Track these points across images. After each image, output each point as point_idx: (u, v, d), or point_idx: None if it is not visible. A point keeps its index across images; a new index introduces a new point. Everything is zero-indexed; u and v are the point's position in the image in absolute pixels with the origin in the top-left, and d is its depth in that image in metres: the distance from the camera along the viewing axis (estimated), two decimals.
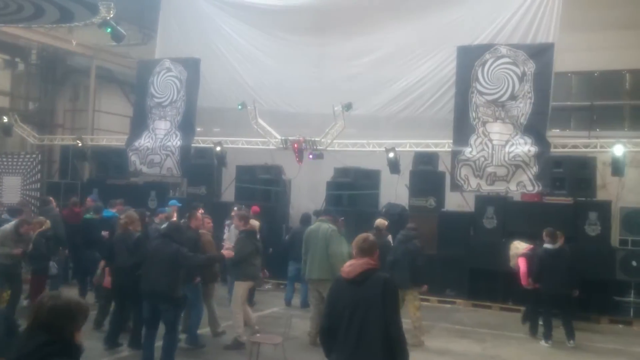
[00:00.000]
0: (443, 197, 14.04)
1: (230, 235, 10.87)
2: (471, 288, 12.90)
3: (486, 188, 13.31)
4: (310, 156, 14.85)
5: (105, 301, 9.31)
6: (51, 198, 13.07)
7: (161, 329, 7.52)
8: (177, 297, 7.41)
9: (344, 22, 15.90)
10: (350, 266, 4.42)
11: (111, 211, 11.88)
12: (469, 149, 13.35)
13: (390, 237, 10.84)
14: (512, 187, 13.06)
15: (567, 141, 13.67)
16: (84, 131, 18.93)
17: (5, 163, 17.83)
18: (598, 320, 11.73)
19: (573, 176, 12.74)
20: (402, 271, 9.24)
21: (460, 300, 12.93)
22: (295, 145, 14.63)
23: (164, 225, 8.97)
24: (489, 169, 13.13)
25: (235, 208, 11.64)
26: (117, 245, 8.57)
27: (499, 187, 13.22)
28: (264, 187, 15.05)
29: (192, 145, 16.28)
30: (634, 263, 11.87)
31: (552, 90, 13.14)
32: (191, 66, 16.64)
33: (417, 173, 14.03)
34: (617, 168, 12.42)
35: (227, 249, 8.79)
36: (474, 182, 13.30)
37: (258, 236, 9.39)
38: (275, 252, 12.64)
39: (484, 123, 13.36)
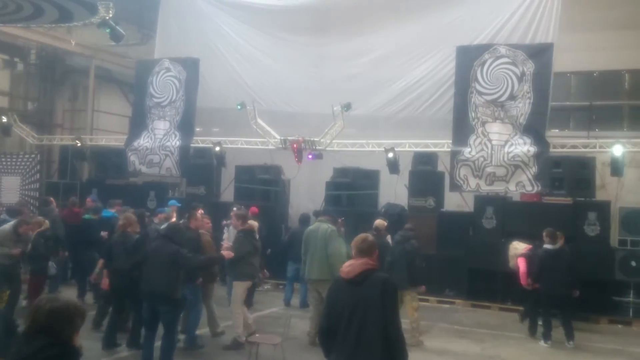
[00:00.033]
0: (442, 197, 14.05)
1: (229, 236, 10.87)
2: (470, 288, 12.90)
3: (485, 188, 13.31)
4: (310, 156, 14.85)
5: (104, 301, 9.31)
6: (52, 198, 13.05)
7: (160, 329, 7.51)
8: (176, 298, 7.41)
9: (343, 22, 15.89)
10: (349, 266, 4.42)
11: (110, 211, 11.88)
12: (468, 149, 13.35)
13: (389, 238, 10.83)
14: (512, 187, 13.06)
15: (566, 141, 13.67)
16: (83, 131, 18.93)
17: (4, 163, 17.82)
18: (597, 320, 11.73)
19: (572, 176, 12.74)
20: (400, 272, 9.25)
21: (459, 301, 12.93)
22: (295, 145, 14.63)
23: (164, 226, 8.97)
24: (488, 169, 13.13)
25: (235, 208, 11.64)
26: (116, 247, 8.57)
27: (498, 187, 13.22)
28: (263, 187, 15.05)
29: (191, 145, 16.28)
30: (633, 263, 11.88)
31: (552, 90, 13.13)
32: (190, 66, 16.64)
33: (416, 173, 14.04)
34: (616, 168, 12.42)
35: (226, 248, 8.79)
36: (473, 182, 13.30)
37: (257, 236, 9.39)
38: (274, 253, 12.64)
39: (483, 123, 13.36)
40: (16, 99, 19.90)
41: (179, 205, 12.63)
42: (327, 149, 14.70)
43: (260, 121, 15.34)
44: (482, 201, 13.33)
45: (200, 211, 10.05)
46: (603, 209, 12.37)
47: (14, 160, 17.86)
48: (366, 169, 14.74)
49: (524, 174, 12.85)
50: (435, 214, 13.61)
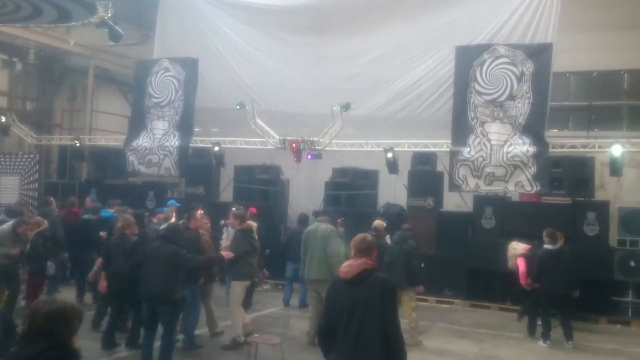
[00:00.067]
0: (441, 197, 14.05)
1: (228, 236, 10.86)
2: (469, 288, 12.90)
3: (484, 188, 13.30)
4: (309, 156, 14.85)
5: (103, 301, 9.30)
6: (52, 199, 13.03)
7: (159, 329, 7.51)
8: (176, 299, 7.42)
9: (342, 22, 15.89)
10: (348, 266, 4.41)
11: (109, 211, 11.87)
12: (468, 149, 13.35)
13: (388, 238, 10.84)
14: (511, 187, 13.06)
15: (565, 141, 13.67)
16: (82, 131, 18.90)
17: (3, 163, 17.80)
18: (596, 320, 11.73)
19: (571, 176, 12.73)
20: (398, 272, 9.26)
21: (458, 301, 12.93)
22: (294, 146, 14.62)
23: (163, 227, 8.97)
24: (488, 169, 13.13)
25: (234, 208, 11.63)
26: (114, 249, 8.56)
27: (497, 187, 13.22)
28: (262, 187, 15.04)
29: (191, 145, 16.26)
30: (632, 263, 11.88)
31: (551, 91, 13.12)
32: (189, 66, 16.63)
33: (415, 173, 14.04)
34: (615, 168, 12.43)
35: (225, 248, 8.79)
36: (472, 182, 13.30)
37: (256, 237, 9.39)
38: (273, 253, 12.63)
39: (483, 123, 13.36)
40: (15, 98, 19.87)
41: (178, 205, 12.62)
42: (326, 149, 14.69)
43: (259, 121, 15.33)
44: (481, 201, 13.33)
45: (200, 211, 10.06)
46: (602, 209, 12.37)
47: (13, 160, 17.83)
48: (365, 169, 14.74)
49: (523, 174, 12.85)
50: (435, 214, 13.61)
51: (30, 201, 16.93)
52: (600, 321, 11.74)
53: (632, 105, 16.22)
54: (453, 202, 14.39)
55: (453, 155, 13.50)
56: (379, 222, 10.77)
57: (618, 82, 16.53)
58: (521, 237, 11.24)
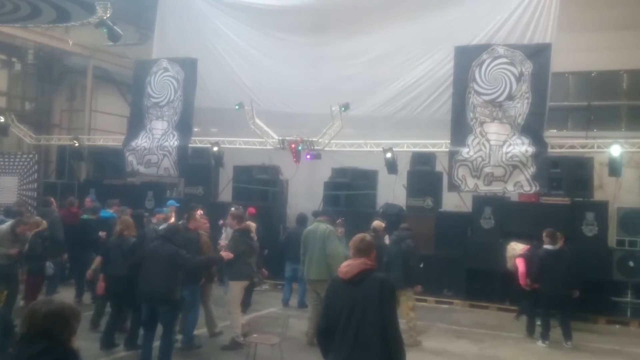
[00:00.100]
0: (440, 198, 14.05)
1: (227, 237, 10.86)
2: (468, 288, 12.91)
3: (483, 188, 13.31)
4: (308, 156, 14.85)
5: (101, 301, 9.30)
6: (52, 199, 13.02)
7: (159, 329, 7.51)
8: (175, 298, 7.42)
9: (341, 22, 15.89)
10: (347, 266, 4.41)
11: (109, 212, 11.86)
12: (467, 149, 13.35)
13: (387, 238, 10.84)
14: (510, 187, 13.07)
15: (564, 141, 13.68)
16: (81, 131, 18.88)
17: (1, 163, 17.79)
18: (595, 320, 11.73)
19: (570, 176, 12.74)
20: (397, 271, 9.26)
21: (457, 301, 12.92)
22: (293, 146, 14.62)
23: (162, 227, 8.96)
24: (487, 169, 13.13)
25: (233, 208, 11.63)
26: (112, 250, 8.56)
27: (496, 188, 13.22)
28: (261, 187, 15.05)
29: (190, 145, 16.27)
30: (631, 263, 11.88)
31: (550, 91, 13.14)
32: (188, 66, 16.63)
33: (414, 173, 14.04)
34: (614, 168, 12.44)
35: (222, 247, 8.79)
36: (471, 183, 13.30)
37: (255, 237, 9.39)
38: (272, 253, 12.63)
39: (482, 123, 13.36)
40: (14, 98, 19.84)
41: (178, 205, 12.61)
42: (326, 149, 14.69)
43: (258, 121, 15.33)
44: (480, 201, 13.33)
45: (200, 212, 10.05)
46: (601, 209, 12.38)
47: (12, 160, 17.82)
48: (364, 169, 14.74)
49: (522, 174, 12.85)
50: (434, 214, 13.62)
51: (29, 201, 16.91)
52: (599, 321, 11.75)
53: (631, 106, 16.22)
54: (452, 202, 14.39)
55: (452, 155, 13.50)
56: (377, 223, 10.77)
57: (617, 82, 16.53)
58: (520, 237, 11.25)
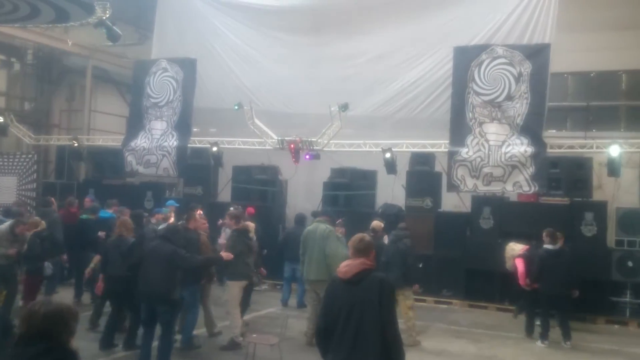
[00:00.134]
0: (439, 198, 14.06)
1: (226, 237, 10.85)
2: (467, 288, 12.91)
3: (482, 188, 13.31)
4: (307, 156, 14.85)
5: (100, 301, 9.30)
6: (52, 199, 13.01)
7: (158, 329, 7.51)
8: (174, 298, 7.42)
9: (340, 22, 15.89)
10: (346, 266, 4.41)
11: (108, 212, 11.85)
12: (466, 150, 13.36)
13: (386, 239, 10.84)
14: (509, 187, 13.07)
15: (563, 142, 13.69)
16: (80, 131, 18.85)
17: (1, 163, 17.77)
18: (594, 320, 11.75)
19: (569, 177, 12.75)
20: (395, 271, 9.26)
21: (456, 301, 12.93)
22: (292, 146, 14.62)
23: (162, 227, 8.97)
24: (486, 170, 13.14)
25: (232, 208, 11.63)
26: (111, 251, 8.56)
27: (495, 188, 13.23)
28: (260, 187, 15.05)
29: (189, 145, 16.26)
30: (630, 263, 11.90)
31: (549, 91, 13.15)
32: (187, 66, 16.63)
33: (413, 173, 14.04)
34: (613, 169, 12.45)
35: (222, 246, 8.80)
36: (470, 183, 13.31)
37: (254, 238, 9.39)
38: (271, 253, 12.63)
39: (481, 123, 13.37)
40: (13, 99, 19.83)
41: (177, 205, 12.61)
42: (325, 149, 14.69)
43: (257, 121, 15.33)
44: (480, 201, 13.34)
45: (199, 212, 10.05)
46: (600, 209, 12.39)
47: (11, 160, 17.81)
48: (363, 170, 14.75)
49: (521, 174, 12.86)
50: (433, 214, 13.62)
51: (29, 201, 16.90)
52: (598, 321, 11.76)
53: (630, 106, 16.22)
54: (451, 202, 14.39)
55: (451, 155, 13.51)
56: (376, 223, 10.77)
57: (616, 83, 16.54)
58: (519, 237, 11.24)
